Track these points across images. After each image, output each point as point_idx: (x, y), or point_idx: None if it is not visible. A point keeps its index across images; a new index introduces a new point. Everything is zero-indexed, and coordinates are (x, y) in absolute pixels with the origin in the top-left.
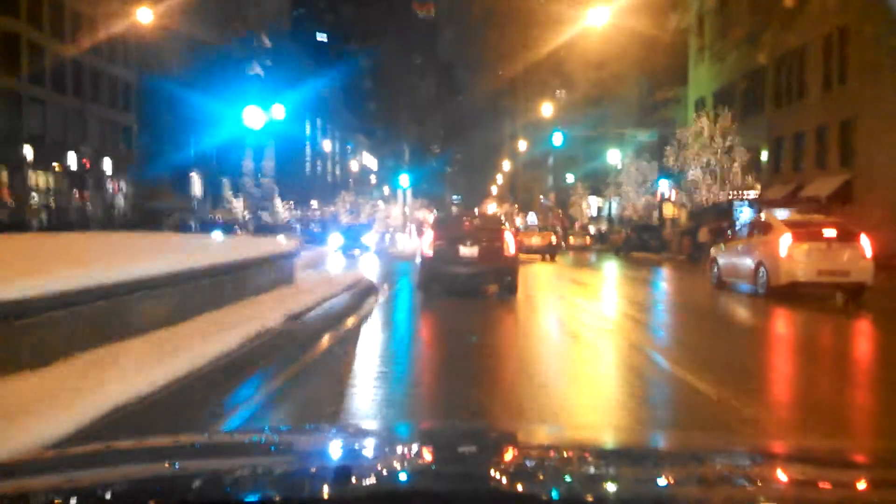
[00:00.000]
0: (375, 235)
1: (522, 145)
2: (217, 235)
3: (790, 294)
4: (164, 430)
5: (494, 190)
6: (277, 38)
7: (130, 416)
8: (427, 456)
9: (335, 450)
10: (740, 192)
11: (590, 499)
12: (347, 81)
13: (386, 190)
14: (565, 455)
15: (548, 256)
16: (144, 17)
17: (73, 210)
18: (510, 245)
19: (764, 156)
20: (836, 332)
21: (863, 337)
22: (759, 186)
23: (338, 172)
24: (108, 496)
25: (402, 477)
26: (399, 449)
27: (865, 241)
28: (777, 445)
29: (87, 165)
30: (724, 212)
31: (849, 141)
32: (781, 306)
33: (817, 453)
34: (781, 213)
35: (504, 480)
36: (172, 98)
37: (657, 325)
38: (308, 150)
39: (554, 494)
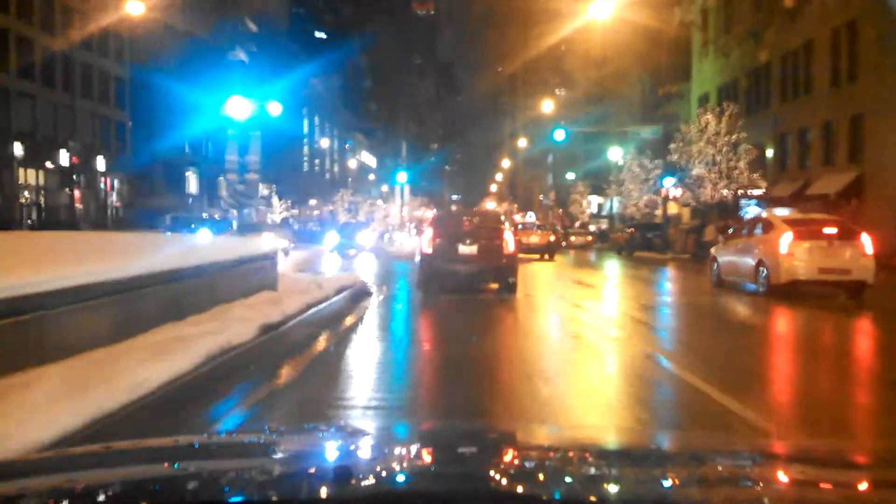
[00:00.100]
0: (373, 234)
1: (522, 144)
2: (204, 234)
3: (790, 292)
4: None
5: (494, 188)
6: (268, 26)
7: None
8: (427, 456)
9: (335, 450)
10: (745, 189)
11: (590, 499)
12: (346, 80)
13: (385, 189)
14: (565, 455)
15: (546, 255)
16: (135, 9)
17: (63, 208)
18: (510, 243)
19: (769, 153)
20: (860, 336)
21: (889, 338)
22: (763, 184)
23: (336, 171)
24: (106, 497)
25: (403, 477)
26: (399, 449)
27: (866, 240)
28: (778, 445)
29: (76, 161)
30: (730, 210)
31: (858, 137)
32: (794, 306)
33: (818, 453)
34: (785, 211)
35: (504, 481)
36: (164, 91)
37: (673, 332)
38: (306, 149)
39: (554, 495)
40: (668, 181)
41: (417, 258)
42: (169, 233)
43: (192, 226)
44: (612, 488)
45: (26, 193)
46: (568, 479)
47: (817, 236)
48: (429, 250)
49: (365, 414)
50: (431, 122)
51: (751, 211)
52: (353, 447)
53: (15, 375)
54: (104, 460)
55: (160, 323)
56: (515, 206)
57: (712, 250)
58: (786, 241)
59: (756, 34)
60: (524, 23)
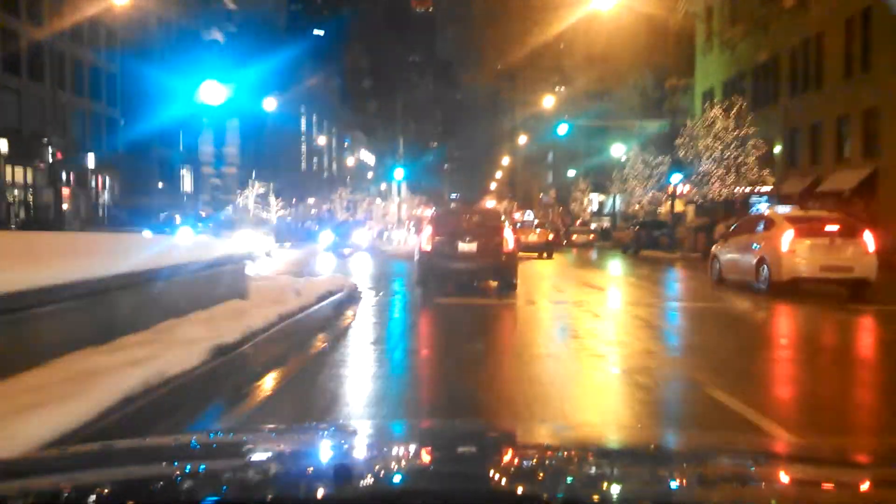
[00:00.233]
0: (369, 233)
1: (522, 140)
2: (185, 233)
3: (792, 290)
4: None
5: (494, 186)
6: (253, 11)
7: None
8: (426, 456)
9: (334, 449)
10: (754, 186)
11: (590, 499)
12: (345, 78)
13: (384, 187)
14: (565, 455)
15: (545, 254)
16: None
17: (50, 207)
18: (510, 241)
19: (777, 148)
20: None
21: None
22: (771, 180)
23: (335, 168)
24: (105, 496)
25: (402, 477)
26: (399, 449)
27: (868, 237)
28: (779, 445)
29: (60, 156)
30: (738, 207)
31: (873, 131)
32: (826, 310)
33: (820, 452)
34: (786, 208)
35: (503, 481)
36: (150, 82)
37: (715, 352)
38: (304, 147)
39: (554, 494)
40: (676, 177)
41: (416, 256)
42: (150, 232)
43: (169, 225)
44: (612, 488)
45: (15, 192)
46: (568, 479)
47: (819, 234)
48: (428, 248)
49: None
50: (430, 119)
51: (762, 208)
52: (352, 446)
53: None
54: (104, 459)
55: (72, 349)
56: (515, 204)
57: (713, 248)
58: (787, 238)
59: (764, 26)
60: (524, 18)
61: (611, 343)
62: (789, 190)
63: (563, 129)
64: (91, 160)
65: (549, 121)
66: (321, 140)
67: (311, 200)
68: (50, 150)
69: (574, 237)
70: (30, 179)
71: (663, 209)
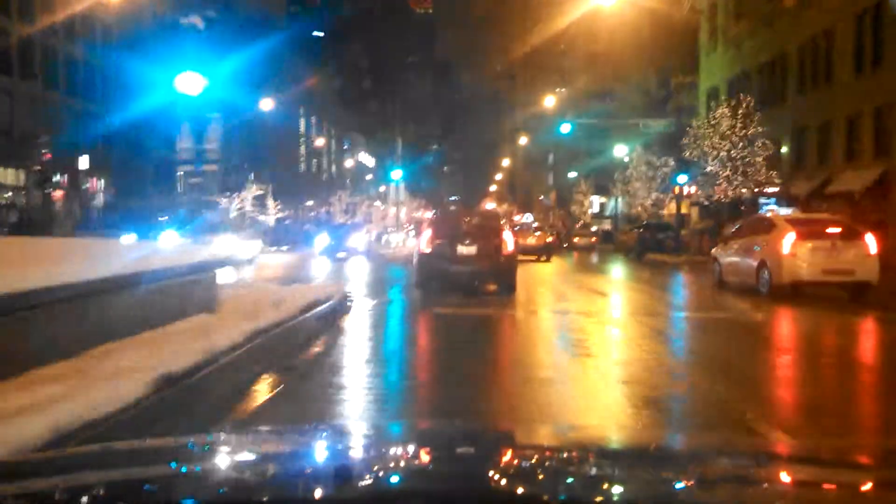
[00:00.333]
0: (366, 236)
1: (523, 141)
2: (169, 237)
3: (793, 293)
4: None
5: (493, 189)
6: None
7: None
8: (425, 457)
9: (333, 450)
10: (761, 187)
11: (590, 500)
12: (345, 79)
13: (383, 189)
14: (564, 456)
15: (543, 257)
16: None
17: (40, 209)
18: (509, 243)
19: (784, 149)
20: None
21: None
22: (778, 181)
23: (334, 171)
24: (104, 496)
25: (401, 477)
26: (398, 449)
27: (870, 239)
28: (780, 446)
29: (48, 156)
30: (745, 208)
31: (885, 129)
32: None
33: (821, 453)
34: (790, 211)
35: (503, 481)
36: (141, 77)
37: (749, 371)
38: (303, 149)
39: (553, 495)
40: (682, 178)
41: (415, 259)
42: (133, 236)
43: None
44: (612, 489)
45: (6, 194)
46: (568, 480)
47: (820, 236)
48: (427, 250)
49: None
50: (430, 121)
51: (771, 210)
52: (351, 447)
53: None
54: (103, 460)
55: None
56: (515, 206)
57: (713, 251)
58: (788, 241)
59: (769, 22)
60: (525, 18)
61: (628, 363)
62: (797, 191)
63: (566, 128)
64: (84, 162)
65: (550, 121)
66: (320, 142)
67: (310, 203)
68: (42, 151)
69: (576, 240)
70: (21, 181)
71: (666, 211)
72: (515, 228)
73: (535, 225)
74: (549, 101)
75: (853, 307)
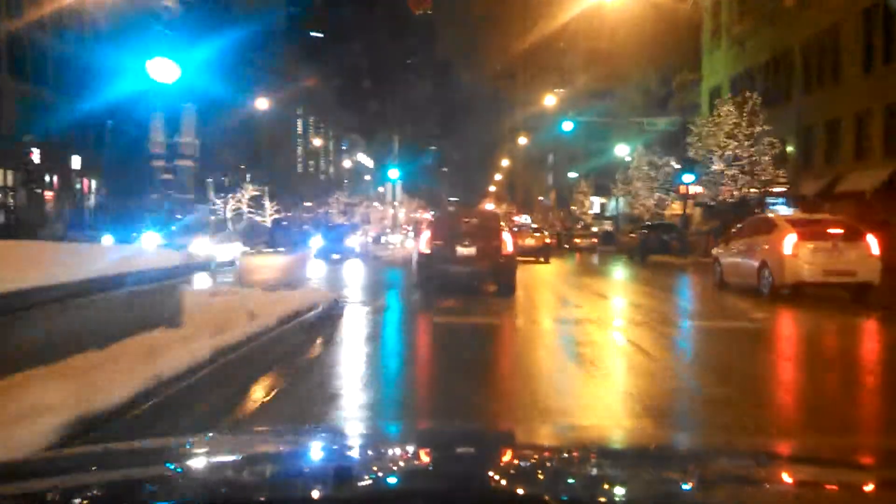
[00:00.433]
0: (362, 238)
1: (522, 141)
2: (150, 238)
3: (795, 294)
4: None
5: (493, 189)
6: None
7: None
8: (425, 457)
9: (333, 451)
10: (768, 187)
11: (591, 500)
12: (343, 79)
13: (382, 190)
14: (565, 456)
15: (541, 258)
16: None
17: (28, 210)
18: (508, 244)
19: (790, 148)
20: None
21: None
22: (784, 180)
23: (332, 171)
24: (103, 497)
25: (401, 478)
26: (397, 450)
27: (872, 240)
28: (781, 445)
29: (32, 155)
30: (752, 209)
31: (895, 128)
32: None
33: (822, 453)
34: (791, 211)
35: (503, 481)
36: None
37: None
38: (301, 150)
39: (554, 495)
40: (689, 178)
41: (415, 259)
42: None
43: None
44: (613, 489)
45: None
46: (568, 480)
47: (822, 237)
48: (427, 251)
49: None
50: (429, 121)
51: (777, 210)
52: (350, 448)
53: None
54: (103, 460)
55: None
56: (514, 206)
57: (714, 251)
58: (790, 242)
59: (773, 20)
60: (525, 17)
61: (652, 385)
62: (804, 191)
63: (568, 126)
64: (77, 162)
65: (550, 121)
66: (318, 142)
67: (308, 203)
68: (35, 151)
69: (577, 241)
70: (10, 182)
71: (668, 211)
72: (514, 229)
73: (535, 226)
74: (550, 101)
75: (855, 308)
